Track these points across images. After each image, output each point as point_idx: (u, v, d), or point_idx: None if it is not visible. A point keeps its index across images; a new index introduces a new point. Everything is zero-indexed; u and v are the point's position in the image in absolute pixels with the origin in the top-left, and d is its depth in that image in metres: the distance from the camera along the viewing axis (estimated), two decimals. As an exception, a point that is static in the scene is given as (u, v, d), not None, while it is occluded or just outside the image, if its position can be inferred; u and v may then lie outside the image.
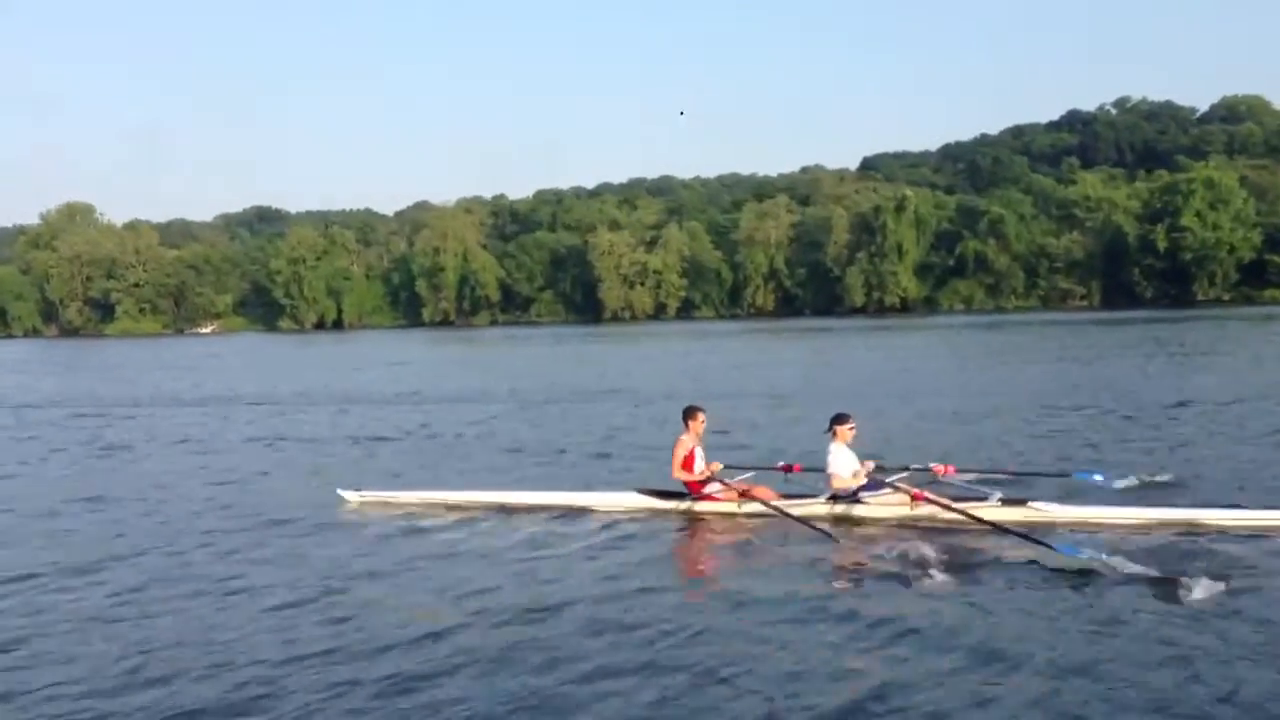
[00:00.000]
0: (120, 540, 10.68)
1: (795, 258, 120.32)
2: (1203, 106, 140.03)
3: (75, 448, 19.28)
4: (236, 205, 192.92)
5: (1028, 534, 8.81)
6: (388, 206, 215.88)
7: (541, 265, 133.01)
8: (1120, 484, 11.17)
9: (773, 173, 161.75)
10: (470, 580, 8.63)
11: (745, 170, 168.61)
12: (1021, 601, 7.55)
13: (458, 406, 25.09)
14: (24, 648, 7.24)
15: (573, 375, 35.86)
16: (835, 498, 10.33)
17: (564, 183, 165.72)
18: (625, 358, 48.81)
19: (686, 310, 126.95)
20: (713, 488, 10.80)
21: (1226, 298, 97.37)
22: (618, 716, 5.76)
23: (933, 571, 8.22)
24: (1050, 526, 9.49)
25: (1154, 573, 7.86)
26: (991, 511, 9.71)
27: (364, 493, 12.16)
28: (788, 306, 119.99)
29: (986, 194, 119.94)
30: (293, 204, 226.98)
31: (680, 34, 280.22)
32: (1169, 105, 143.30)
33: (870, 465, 10.45)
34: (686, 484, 10.88)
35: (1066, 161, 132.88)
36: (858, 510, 10.29)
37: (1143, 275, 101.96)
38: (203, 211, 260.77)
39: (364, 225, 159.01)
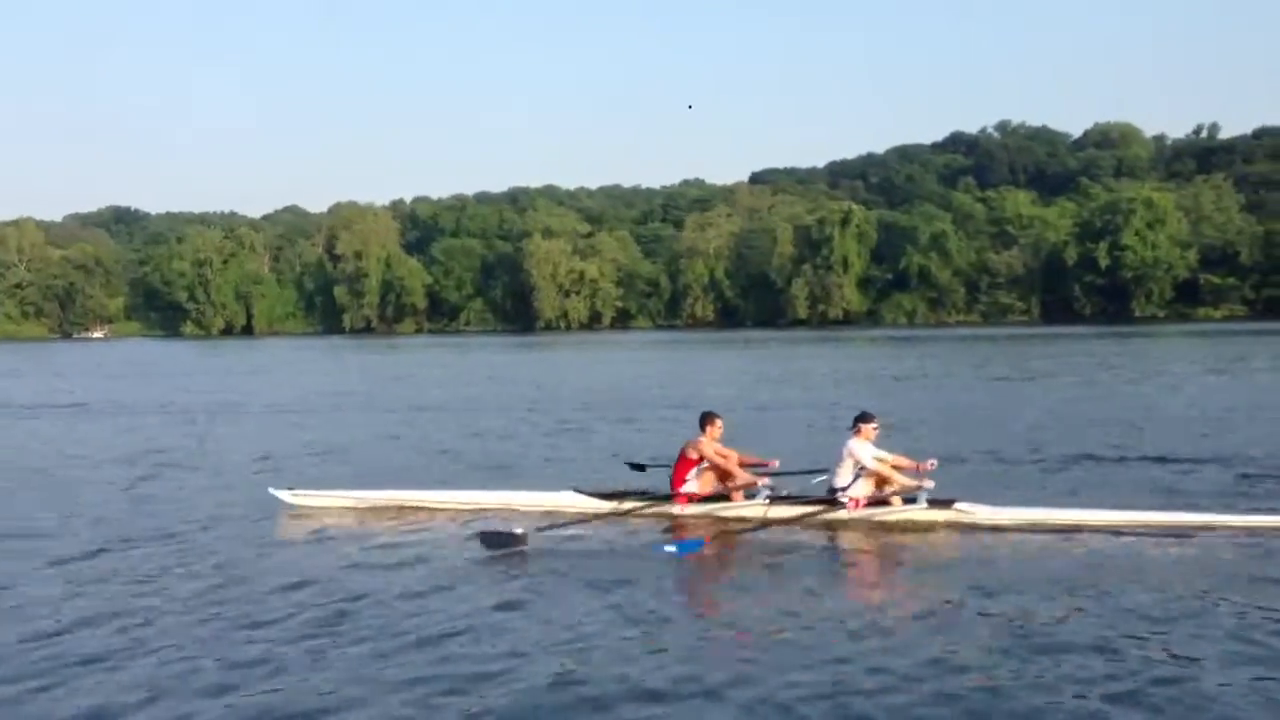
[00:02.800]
0: (47, 543, 10.18)
1: (736, 269, 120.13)
2: (1076, 132, 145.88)
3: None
4: (89, 205, 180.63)
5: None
6: (253, 209, 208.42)
7: (471, 272, 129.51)
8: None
9: (655, 185, 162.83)
10: (402, 580, 8.55)
11: (627, 182, 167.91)
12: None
13: (410, 413, 24.39)
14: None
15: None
16: (775, 499, 10.58)
17: (435, 191, 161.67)
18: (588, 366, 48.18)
19: (622, 320, 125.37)
20: (690, 487, 10.84)
21: (1162, 314, 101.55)
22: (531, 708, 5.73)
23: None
24: (981, 528, 9.92)
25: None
26: (919, 513, 10.19)
27: (297, 492, 11.91)
28: (728, 318, 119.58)
29: (901, 210, 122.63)
30: (151, 205, 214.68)
31: (561, 40, 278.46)
32: (1046, 130, 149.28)
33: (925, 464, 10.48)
34: (675, 482, 10.92)
35: (963, 181, 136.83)
36: (773, 511, 10.38)
37: (1083, 291, 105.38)
38: (51, 211, 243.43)
39: (228, 226, 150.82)
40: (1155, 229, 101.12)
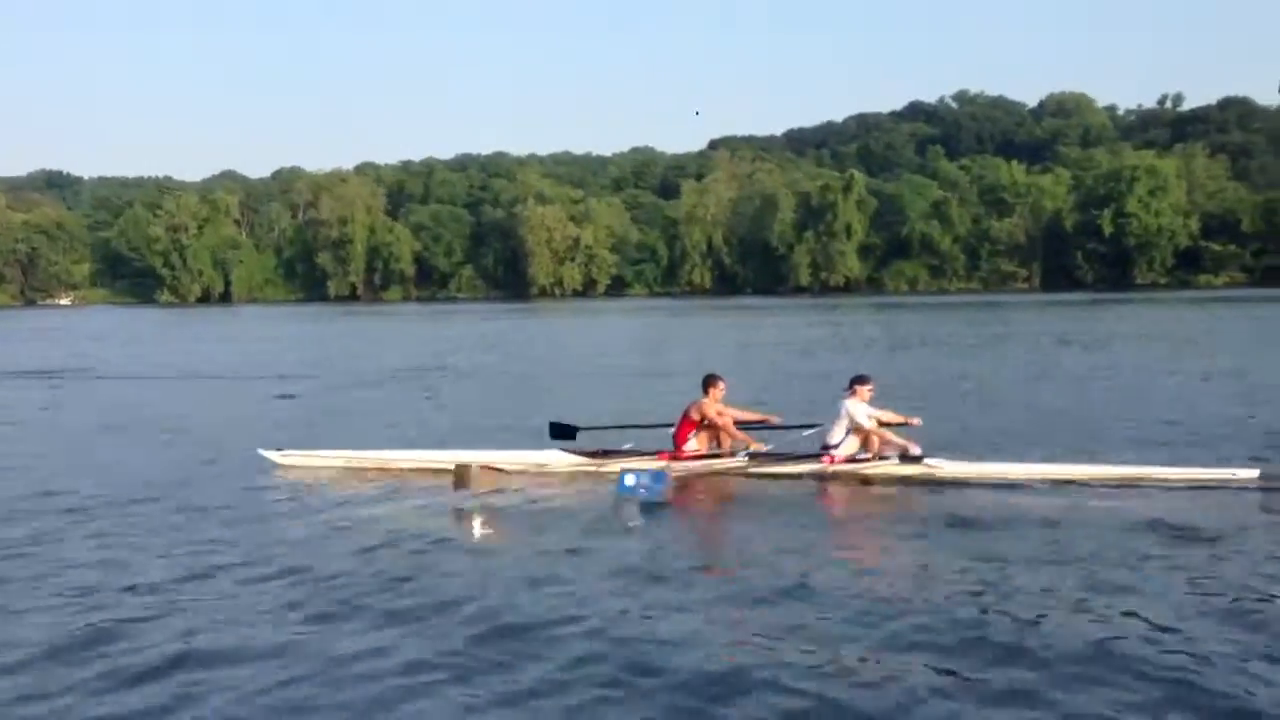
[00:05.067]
0: (37, 516, 9.73)
1: (735, 236, 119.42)
2: (1032, 101, 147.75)
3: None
4: (18, 169, 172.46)
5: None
6: (189, 174, 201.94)
7: (461, 239, 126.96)
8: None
9: (606, 152, 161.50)
10: (394, 539, 8.56)
11: (579, 149, 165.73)
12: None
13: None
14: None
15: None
16: (755, 456, 11.06)
17: (378, 157, 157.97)
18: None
19: (617, 287, 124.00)
20: (691, 446, 11.24)
21: (1163, 281, 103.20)
22: (543, 675, 5.65)
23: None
24: (949, 482, 10.35)
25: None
26: (891, 468, 10.68)
27: (287, 453, 11.87)
28: (727, 285, 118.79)
29: (883, 178, 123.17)
30: (83, 169, 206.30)
31: (512, 10, 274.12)
32: (1003, 100, 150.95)
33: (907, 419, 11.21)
34: (678, 441, 11.31)
35: (931, 150, 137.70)
36: (769, 467, 10.97)
37: (1085, 259, 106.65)
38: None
39: (159, 191, 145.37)
40: (1158, 196, 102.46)
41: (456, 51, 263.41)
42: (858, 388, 11.18)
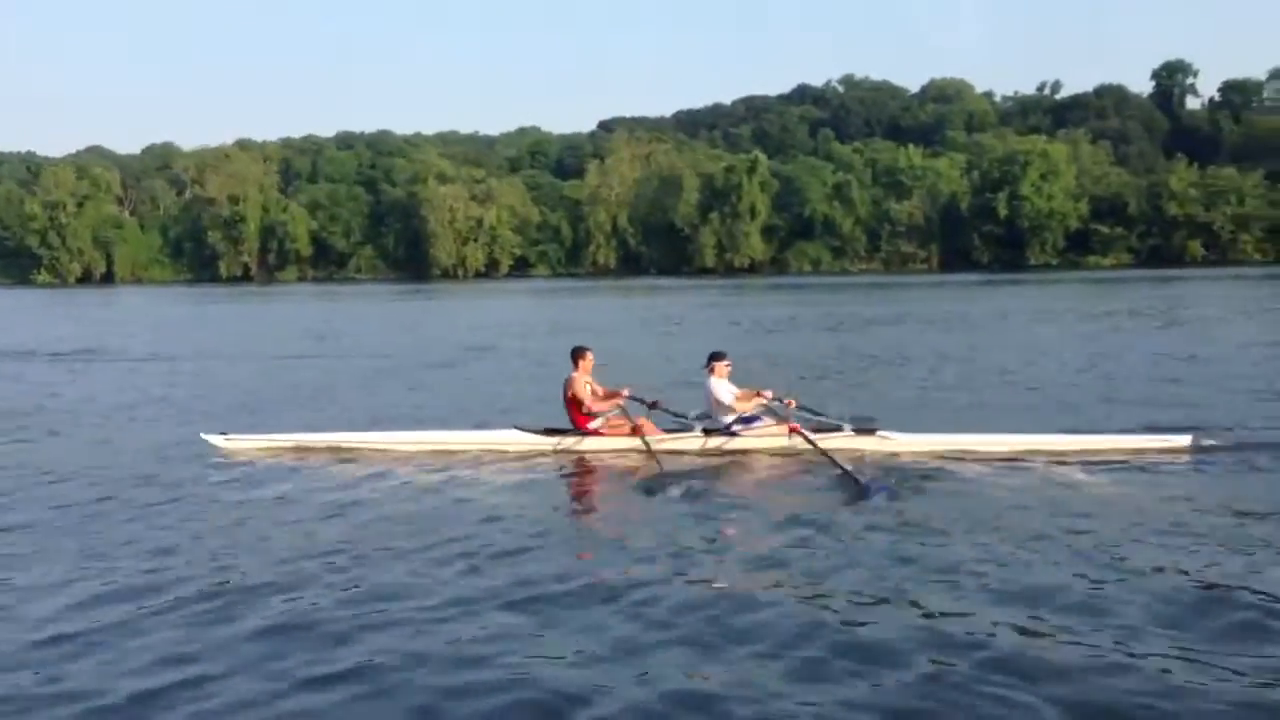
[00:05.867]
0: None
1: (639, 216, 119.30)
2: (914, 87, 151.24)
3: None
4: None
5: (854, 473, 9.45)
6: (53, 149, 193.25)
7: (360, 218, 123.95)
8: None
9: (493, 131, 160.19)
10: (344, 523, 8.46)
11: (464, 129, 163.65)
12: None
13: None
14: None
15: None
16: (710, 431, 11.15)
17: (256, 134, 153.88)
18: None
19: (520, 268, 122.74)
20: (598, 422, 11.17)
21: (1055, 263, 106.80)
22: (497, 658, 5.60)
23: (817, 503, 8.85)
24: (900, 453, 10.71)
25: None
26: (846, 440, 10.80)
27: (231, 437, 11.65)
28: (632, 266, 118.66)
29: (779, 160, 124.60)
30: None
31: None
32: (887, 84, 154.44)
33: (769, 393, 11.32)
34: (576, 420, 11.25)
35: (822, 133, 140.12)
36: (736, 443, 11.06)
37: (981, 241, 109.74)
38: None
39: (27, 169, 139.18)
40: (1050, 180, 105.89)
41: (336, 26, 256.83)
42: (715, 364, 11.31)
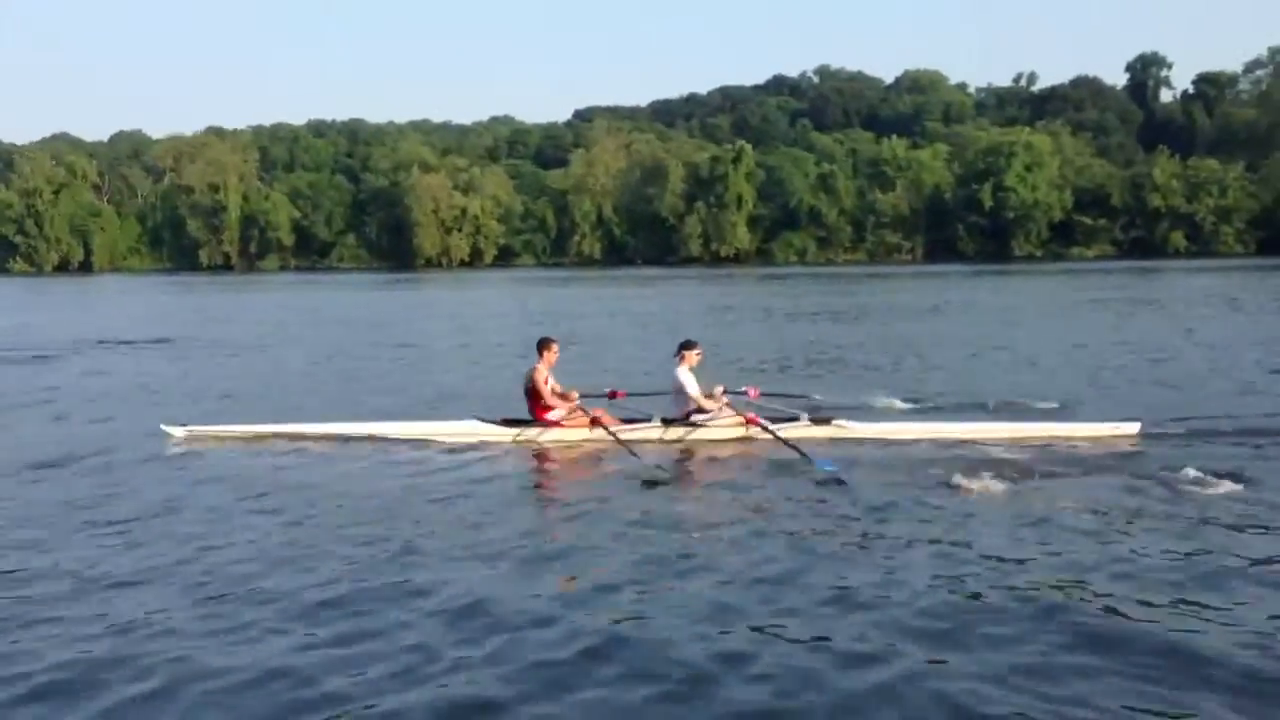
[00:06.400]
0: None
1: (623, 206, 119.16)
2: (889, 78, 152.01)
3: None
4: None
5: (809, 454, 9.91)
6: (19, 137, 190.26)
7: (342, 207, 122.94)
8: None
9: (466, 120, 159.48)
10: (306, 513, 8.51)
11: (437, 117, 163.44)
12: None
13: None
14: None
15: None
16: (669, 421, 11.37)
17: (229, 122, 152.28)
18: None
19: (505, 258, 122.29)
20: (558, 413, 11.31)
21: (1039, 254, 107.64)
22: (463, 651, 5.65)
23: (770, 493, 9.10)
24: (856, 442, 11.00)
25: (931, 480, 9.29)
26: (803, 430, 11.02)
27: (190, 427, 11.72)
28: (617, 255, 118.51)
29: (760, 151, 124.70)
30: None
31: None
32: (862, 75, 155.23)
33: (721, 389, 11.58)
34: (535, 412, 11.33)
35: (801, 124, 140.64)
36: (695, 434, 11.29)
37: (966, 231, 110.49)
38: None
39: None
40: (1034, 171, 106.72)
41: (304, 12, 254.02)
42: (685, 353, 11.41)
